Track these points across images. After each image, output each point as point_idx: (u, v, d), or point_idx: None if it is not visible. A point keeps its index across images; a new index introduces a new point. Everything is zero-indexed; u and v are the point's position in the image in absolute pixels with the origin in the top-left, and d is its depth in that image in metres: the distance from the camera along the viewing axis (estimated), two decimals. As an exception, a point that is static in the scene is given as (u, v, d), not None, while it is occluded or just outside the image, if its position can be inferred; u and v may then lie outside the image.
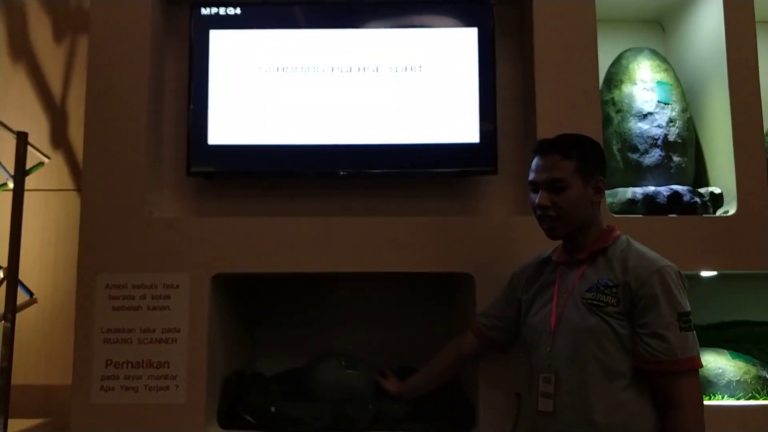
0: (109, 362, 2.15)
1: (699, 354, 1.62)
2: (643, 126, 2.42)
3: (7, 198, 2.35)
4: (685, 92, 2.53)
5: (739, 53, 2.37)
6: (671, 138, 2.41)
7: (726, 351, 2.36)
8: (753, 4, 2.40)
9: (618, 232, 1.78)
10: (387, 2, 2.43)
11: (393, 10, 2.41)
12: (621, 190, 2.39)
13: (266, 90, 2.36)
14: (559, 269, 1.83)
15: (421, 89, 2.37)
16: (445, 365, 2.15)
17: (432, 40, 2.38)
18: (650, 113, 2.43)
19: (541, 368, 1.75)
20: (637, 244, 1.75)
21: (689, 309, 1.63)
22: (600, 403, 1.63)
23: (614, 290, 1.67)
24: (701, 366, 1.62)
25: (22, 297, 2.33)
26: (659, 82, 2.47)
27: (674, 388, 1.60)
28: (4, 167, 2.36)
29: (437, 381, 2.17)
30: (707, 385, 2.27)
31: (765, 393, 2.26)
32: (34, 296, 2.45)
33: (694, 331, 1.63)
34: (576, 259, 1.79)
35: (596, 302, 1.68)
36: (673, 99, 2.46)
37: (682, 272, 1.67)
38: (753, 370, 2.29)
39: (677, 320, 1.60)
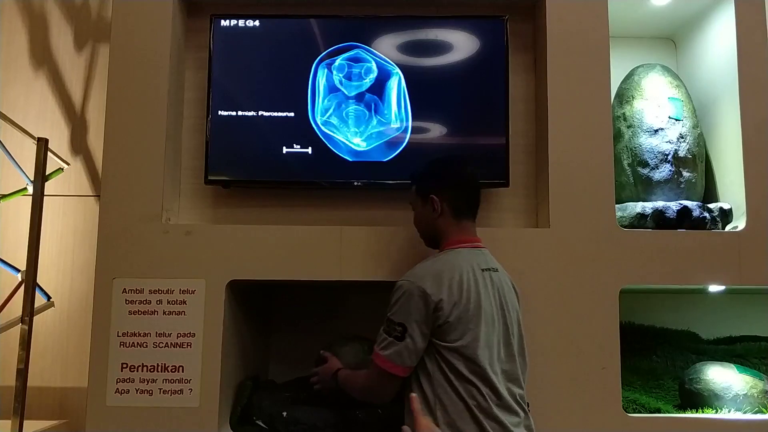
0: (124, 365, 2.18)
1: (385, 357, 1.81)
2: (654, 141, 2.45)
3: (26, 203, 2.39)
4: (696, 108, 2.56)
5: (750, 70, 2.39)
6: (681, 153, 2.44)
7: (733, 365, 2.38)
8: (765, 22, 2.42)
9: (444, 248, 1.95)
10: (403, 16, 2.47)
11: (409, 24, 2.44)
12: (630, 204, 2.41)
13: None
14: None
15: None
16: None
17: (445, 54, 2.42)
18: (661, 129, 2.46)
19: None
20: (431, 260, 1.91)
21: (400, 321, 1.81)
22: None
23: None
24: (382, 367, 1.82)
25: (39, 300, 2.37)
26: (671, 98, 2.50)
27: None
28: (24, 172, 2.41)
29: None
30: (714, 399, 2.28)
31: (772, 407, 2.27)
32: (52, 300, 2.49)
33: (393, 341, 1.81)
34: None
35: None
36: (684, 115, 2.49)
37: (426, 291, 1.80)
38: (760, 385, 2.30)
39: (385, 322, 1.85)
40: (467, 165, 2.04)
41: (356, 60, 2.42)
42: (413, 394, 1.64)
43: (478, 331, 1.79)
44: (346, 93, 2.41)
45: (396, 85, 2.41)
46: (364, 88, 2.41)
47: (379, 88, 2.41)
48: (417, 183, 2.03)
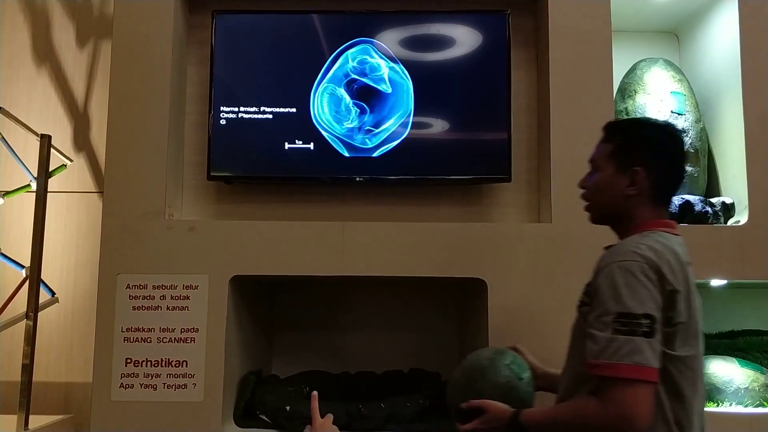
0: (128, 360, 2.20)
1: (638, 363, 1.31)
2: (656, 136, 2.44)
3: (30, 199, 2.40)
4: (699, 102, 2.55)
5: (753, 64, 2.38)
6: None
7: (735, 359, 2.38)
8: (768, 16, 2.41)
9: (641, 228, 1.50)
10: (405, 11, 2.47)
11: (411, 19, 2.44)
12: (633, 198, 2.40)
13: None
14: None
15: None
16: None
17: (447, 49, 2.42)
18: (663, 123, 2.45)
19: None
20: (641, 239, 1.45)
21: (646, 311, 1.34)
22: None
23: (588, 288, 1.50)
24: (628, 376, 1.31)
25: (44, 296, 2.38)
26: (673, 93, 2.49)
27: (599, 391, 1.35)
28: (27, 169, 2.42)
29: None
30: (716, 392, 2.29)
31: (773, 401, 2.28)
32: (56, 296, 2.50)
33: (642, 339, 1.32)
34: None
35: (580, 301, 1.54)
36: (687, 109, 2.48)
37: (666, 276, 1.37)
38: (761, 379, 2.31)
39: (614, 321, 1.35)
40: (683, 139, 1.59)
41: (359, 55, 2.42)
42: (314, 392, 1.41)
43: (700, 339, 1.44)
44: (349, 88, 2.41)
45: (398, 80, 2.41)
46: (366, 83, 2.41)
47: (381, 83, 2.41)
48: (621, 146, 1.56)
